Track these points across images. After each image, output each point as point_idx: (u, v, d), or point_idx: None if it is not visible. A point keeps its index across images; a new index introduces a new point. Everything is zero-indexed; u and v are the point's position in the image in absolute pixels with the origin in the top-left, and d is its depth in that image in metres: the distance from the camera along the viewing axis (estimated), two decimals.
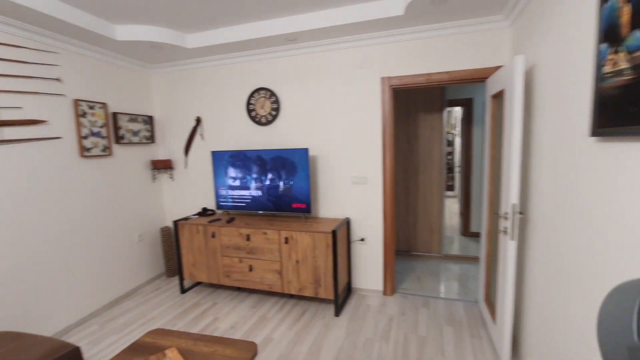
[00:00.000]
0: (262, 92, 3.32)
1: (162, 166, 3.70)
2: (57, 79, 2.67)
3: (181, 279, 3.37)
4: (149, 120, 3.65)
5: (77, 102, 2.82)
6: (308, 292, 2.89)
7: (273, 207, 3.19)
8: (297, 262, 2.88)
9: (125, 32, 2.78)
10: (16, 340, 1.94)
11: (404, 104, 4.09)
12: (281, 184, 3.11)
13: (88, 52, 2.92)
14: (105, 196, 3.13)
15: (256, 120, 3.38)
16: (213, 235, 3.15)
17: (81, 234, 2.89)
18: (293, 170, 3.04)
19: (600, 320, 0.46)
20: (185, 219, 3.39)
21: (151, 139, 3.68)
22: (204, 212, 3.54)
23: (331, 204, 3.25)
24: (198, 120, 3.62)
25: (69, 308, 2.76)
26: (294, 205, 3.09)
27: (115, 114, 3.21)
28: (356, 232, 3.20)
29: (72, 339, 2.62)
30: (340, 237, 2.94)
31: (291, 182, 3.07)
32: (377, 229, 3.13)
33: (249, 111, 3.39)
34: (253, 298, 3.22)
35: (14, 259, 2.38)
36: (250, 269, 3.05)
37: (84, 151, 2.89)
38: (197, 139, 3.69)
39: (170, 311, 3.02)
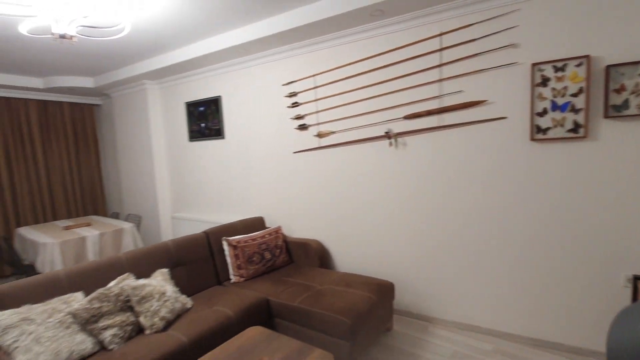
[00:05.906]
0: None
1: None
2: (511, 45, 2.22)
3: None
4: None
5: (534, 67, 2.16)
6: None
7: None
8: None
9: None
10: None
11: None
12: None
13: None
14: (570, 200, 2.16)
15: None
16: None
17: (525, 239, 2.32)
18: None
19: (609, 342, 0.44)
20: None
21: None
22: None
23: None
24: None
25: (481, 311, 2.51)
26: None
27: (608, 69, 1.95)
28: None
29: (454, 339, 2.50)
30: None
31: None
32: None
33: None
34: None
35: (438, 245, 2.65)
36: None
37: (537, 132, 2.21)
38: None
39: None
